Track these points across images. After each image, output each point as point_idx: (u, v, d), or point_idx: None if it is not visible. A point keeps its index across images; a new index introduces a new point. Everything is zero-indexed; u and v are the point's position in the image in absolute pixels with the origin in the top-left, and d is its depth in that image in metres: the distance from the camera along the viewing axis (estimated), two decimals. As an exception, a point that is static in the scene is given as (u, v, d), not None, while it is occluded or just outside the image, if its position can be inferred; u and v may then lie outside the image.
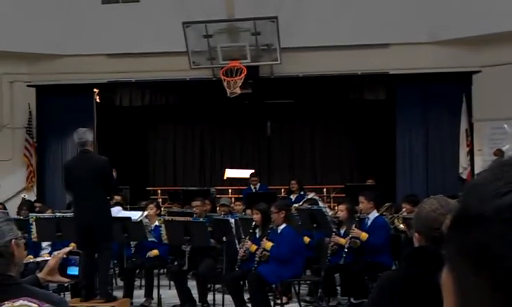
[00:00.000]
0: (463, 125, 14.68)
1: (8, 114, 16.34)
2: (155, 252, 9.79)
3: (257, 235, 8.93)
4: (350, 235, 8.89)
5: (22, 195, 15.55)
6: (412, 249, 2.91)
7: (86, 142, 8.42)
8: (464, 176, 14.48)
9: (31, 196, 15.43)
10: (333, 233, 9.09)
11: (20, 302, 1.78)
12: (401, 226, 9.92)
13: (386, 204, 11.16)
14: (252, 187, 15.20)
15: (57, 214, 10.16)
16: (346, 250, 8.86)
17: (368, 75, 15.31)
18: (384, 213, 10.35)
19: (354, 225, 8.95)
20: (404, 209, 10.15)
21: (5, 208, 12.82)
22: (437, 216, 2.79)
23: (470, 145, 14.70)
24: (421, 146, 15.25)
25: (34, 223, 9.49)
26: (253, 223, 8.96)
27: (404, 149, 15.35)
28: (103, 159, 8.60)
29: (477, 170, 14.37)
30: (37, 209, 11.98)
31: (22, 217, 10.77)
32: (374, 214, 9.23)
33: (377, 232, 8.91)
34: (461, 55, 14.51)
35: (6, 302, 1.80)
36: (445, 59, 14.55)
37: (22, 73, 16.13)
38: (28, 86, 16.07)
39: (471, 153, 14.70)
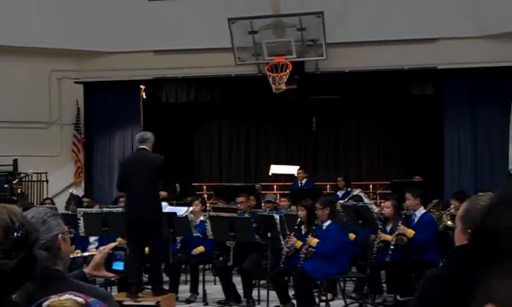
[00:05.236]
0: (513, 121, 14.40)
1: (56, 110, 16.61)
2: (200, 249, 9.84)
3: (303, 232, 8.89)
4: (396, 232, 8.78)
5: (70, 190, 15.78)
6: (458, 246, 2.81)
7: (146, 140, 8.81)
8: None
9: (79, 191, 15.64)
10: (379, 230, 9.00)
11: (66, 296, 1.78)
12: (449, 222, 9.77)
13: (434, 200, 11.01)
14: (299, 181, 15.15)
15: (105, 209, 10.29)
16: (392, 247, 8.76)
17: (416, 70, 15.10)
18: (431, 210, 10.21)
19: (400, 222, 8.84)
20: (452, 206, 9.99)
21: (53, 203, 13.02)
22: None
23: (520, 141, 14.39)
24: (469, 141, 14.97)
25: (81, 218, 9.65)
26: (299, 219, 8.92)
27: (452, 145, 15.09)
28: (159, 158, 8.78)
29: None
30: (85, 204, 12.14)
31: (70, 212, 10.89)
32: (421, 211, 9.10)
33: (424, 229, 8.79)
34: (511, 50, 14.20)
35: (52, 296, 1.81)
36: (494, 53, 14.25)
37: (70, 70, 16.35)
38: (76, 82, 16.29)
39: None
